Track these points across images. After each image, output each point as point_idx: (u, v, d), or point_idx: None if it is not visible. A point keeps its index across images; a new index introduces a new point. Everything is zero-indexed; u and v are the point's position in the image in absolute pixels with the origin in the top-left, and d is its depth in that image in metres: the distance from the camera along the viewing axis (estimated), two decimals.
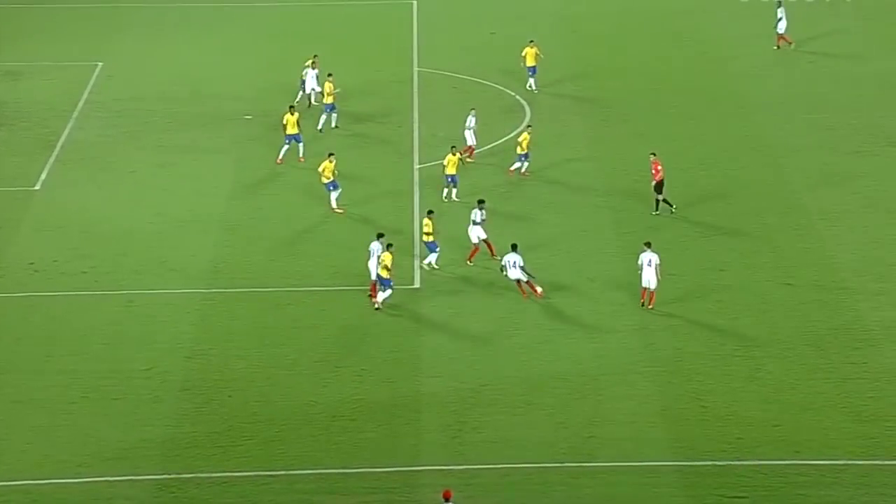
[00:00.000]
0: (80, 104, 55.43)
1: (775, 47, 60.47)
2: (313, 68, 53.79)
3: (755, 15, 61.68)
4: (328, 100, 52.49)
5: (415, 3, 67.63)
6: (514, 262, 41.02)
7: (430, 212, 43.43)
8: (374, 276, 41.09)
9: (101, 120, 53.90)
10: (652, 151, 46.90)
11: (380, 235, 41.75)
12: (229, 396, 36.87)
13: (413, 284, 42.37)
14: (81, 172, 49.80)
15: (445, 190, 47.36)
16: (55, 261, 43.53)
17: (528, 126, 49.78)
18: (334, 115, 52.59)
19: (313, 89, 53.78)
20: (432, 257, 43.00)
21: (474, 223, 43.10)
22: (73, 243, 44.62)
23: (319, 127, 52.27)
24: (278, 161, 50.02)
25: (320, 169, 46.50)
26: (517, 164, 48.99)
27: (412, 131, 53.15)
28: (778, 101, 55.55)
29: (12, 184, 48.75)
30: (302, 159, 49.58)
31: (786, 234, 45.26)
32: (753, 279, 42.47)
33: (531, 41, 56.73)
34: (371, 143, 50.58)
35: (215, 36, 63.61)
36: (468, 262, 43.03)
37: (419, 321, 40.61)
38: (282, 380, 37.77)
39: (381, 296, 40.85)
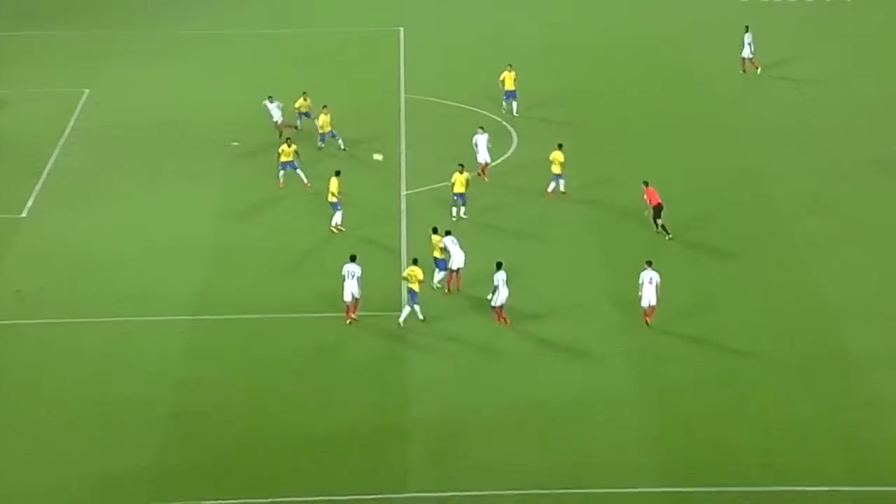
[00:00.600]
0: (67, 131, 55.30)
1: (741, 71, 60.74)
2: (278, 104, 53.60)
3: (737, 41, 61.79)
4: (327, 129, 52.73)
5: (402, 30, 67.69)
6: (503, 279, 41.02)
7: (434, 229, 43.37)
8: (347, 298, 41.17)
9: (87, 147, 53.78)
10: (644, 180, 46.99)
11: (352, 258, 41.75)
12: (217, 424, 36.68)
13: (400, 311, 42.24)
14: (68, 199, 49.65)
15: (454, 209, 47.55)
16: (42, 288, 43.36)
17: (560, 145, 49.80)
18: (340, 141, 53.02)
19: (276, 122, 53.53)
20: (439, 275, 42.98)
21: (454, 244, 42.98)
22: (59, 270, 44.45)
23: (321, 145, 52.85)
24: (280, 186, 49.85)
25: (331, 187, 46.57)
26: (553, 185, 49.13)
27: (399, 157, 53.12)
28: (762, 126, 55.63)
29: (2, 211, 48.57)
30: (308, 185, 49.61)
31: (772, 260, 45.26)
32: (741, 305, 42.44)
33: (509, 65, 56.89)
34: (358, 168, 50.45)
35: (203, 62, 63.56)
36: (448, 291, 42.95)
37: (406, 347, 40.50)
38: (269, 407, 37.59)
39: (405, 312, 41.05)
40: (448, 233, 43.55)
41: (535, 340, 40.68)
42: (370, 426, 36.68)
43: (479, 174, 50.16)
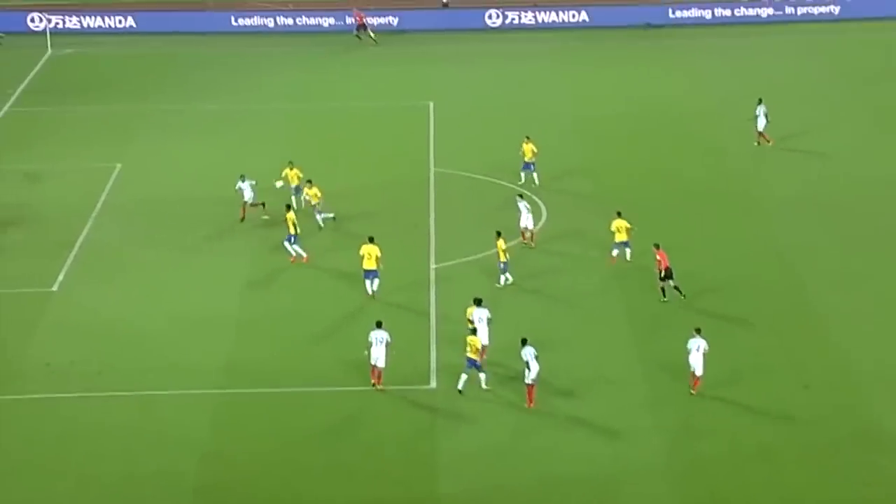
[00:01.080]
0: (99, 205, 55.38)
1: (755, 143, 60.57)
2: (250, 183, 53.30)
3: (771, 120, 61.72)
4: (315, 202, 52.51)
5: (431, 104, 67.81)
6: (533, 354, 40.54)
7: (477, 301, 43.06)
8: (376, 364, 41.06)
9: (118, 220, 53.82)
10: (655, 243, 46.93)
11: (378, 324, 41.61)
12: (241, 498, 36.31)
13: (429, 384, 41.91)
14: (98, 273, 49.59)
15: (502, 277, 47.74)
16: (72, 361, 43.20)
17: (619, 213, 49.67)
18: (321, 217, 52.66)
19: (245, 202, 53.21)
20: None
21: (480, 321, 42.59)
22: (89, 344, 44.30)
23: (322, 225, 52.45)
24: (291, 260, 49.88)
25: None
26: (616, 251, 49.00)
27: (429, 230, 52.99)
28: (788, 201, 55.27)
29: (30, 285, 48.53)
30: (293, 259, 49.60)
31: (798, 331, 44.75)
32: (769, 377, 41.90)
33: (527, 137, 56.87)
34: (387, 241, 50.30)
35: (232, 137, 63.70)
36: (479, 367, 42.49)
37: (435, 421, 40.08)
38: (295, 481, 37.21)
39: (463, 379, 40.75)
40: (479, 303, 43.09)
41: (565, 415, 40.21)
42: (398, 500, 36.23)
43: (522, 240, 50.66)
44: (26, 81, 72.51)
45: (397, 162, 60.19)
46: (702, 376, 40.69)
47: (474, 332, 41.43)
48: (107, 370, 42.62)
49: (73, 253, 51.08)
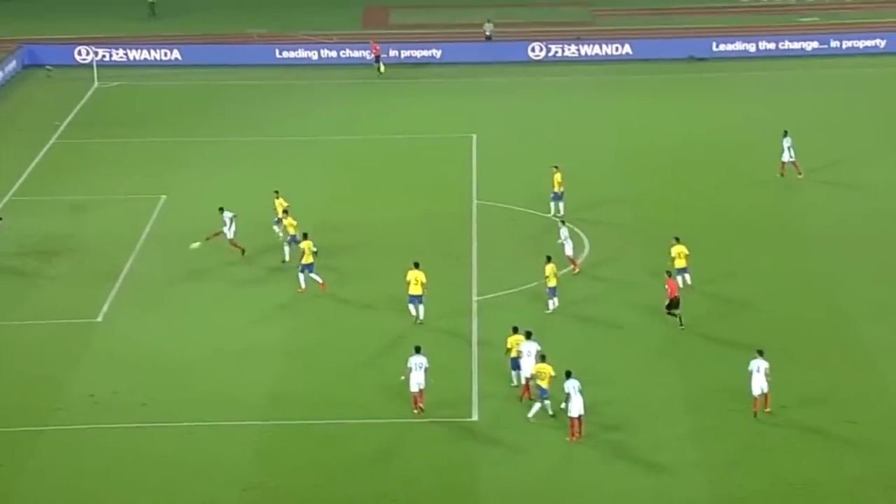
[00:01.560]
0: (143, 236, 55.58)
1: (779, 175, 60.34)
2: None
3: (809, 153, 61.40)
4: (291, 231, 52.43)
5: (474, 136, 67.81)
6: (577, 387, 40.25)
7: (514, 329, 42.90)
8: (414, 389, 41.13)
9: (162, 252, 53.97)
10: (667, 270, 47.13)
11: (417, 349, 41.70)
12: None
13: (470, 415, 41.73)
14: (142, 304, 49.73)
15: (550, 302, 47.80)
16: (115, 392, 43.27)
17: (677, 238, 49.58)
18: (289, 249, 52.53)
19: (230, 240, 53.01)
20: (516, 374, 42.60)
21: (528, 355, 42.38)
22: (133, 375, 44.37)
23: (286, 259, 52.40)
24: (320, 287, 49.92)
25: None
26: (679, 278, 48.89)
27: (471, 263, 52.89)
28: (828, 233, 54.86)
29: (75, 315, 48.72)
30: (321, 285, 49.86)
31: (844, 368, 44.29)
32: (813, 414, 41.47)
33: (555, 167, 56.80)
34: (430, 273, 50.21)
35: (277, 169, 63.84)
36: (521, 399, 42.34)
37: (476, 453, 39.89)
38: None
39: (535, 408, 40.77)
40: (529, 335, 42.85)
41: (608, 451, 39.90)
42: None
43: (572, 268, 50.92)
44: (73, 113, 73.02)
45: (439, 194, 60.17)
46: (769, 393, 40.46)
47: (543, 358, 41.14)
48: (151, 401, 42.67)
49: (118, 284, 51.25)
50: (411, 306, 47.48)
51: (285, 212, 53.40)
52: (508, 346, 42.80)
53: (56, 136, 69.19)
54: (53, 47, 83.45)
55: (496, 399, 42.31)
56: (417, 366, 41.32)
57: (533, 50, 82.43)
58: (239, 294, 50.43)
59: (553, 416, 41.05)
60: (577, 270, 51.08)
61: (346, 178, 62.57)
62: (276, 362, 45.18)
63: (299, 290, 49.96)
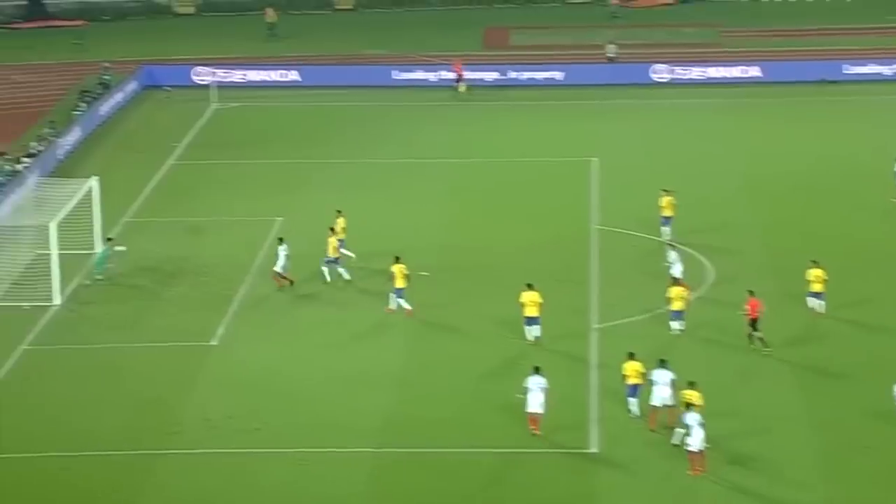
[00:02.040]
0: (259, 258, 56.24)
1: (893, 200, 59.55)
2: (285, 249, 53.03)
3: None
4: (331, 252, 53.04)
5: (595, 160, 67.70)
6: (698, 420, 39.84)
7: (630, 354, 42.73)
8: (534, 410, 41.28)
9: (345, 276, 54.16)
10: (749, 289, 46.78)
11: (536, 369, 41.86)
12: None
13: (588, 447, 41.61)
14: (258, 327, 50.27)
15: (673, 324, 48.06)
16: (230, 416, 43.78)
17: (814, 261, 49.35)
18: (328, 270, 53.02)
19: (278, 273, 52.86)
20: (632, 403, 42.47)
21: (662, 383, 42.16)
22: (247, 399, 44.87)
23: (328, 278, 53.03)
24: (405, 311, 50.32)
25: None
26: (812, 302, 48.74)
27: (589, 290, 52.77)
28: None
29: (190, 338, 49.40)
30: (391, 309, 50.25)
31: None
32: None
33: (665, 190, 56.35)
34: (547, 298, 50.26)
35: (393, 192, 64.31)
36: (651, 429, 42.13)
37: (594, 488, 39.72)
38: None
39: (679, 434, 40.39)
40: (663, 363, 42.49)
41: (730, 487, 39.45)
42: None
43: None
44: (191, 134, 74.17)
45: (558, 218, 60.12)
46: None
47: (691, 385, 40.83)
48: (264, 426, 43.11)
49: (233, 307, 51.89)
50: (527, 329, 47.68)
51: (331, 229, 53.71)
52: (625, 372, 42.64)
53: (174, 157, 70.34)
54: (172, 68, 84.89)
55: (614, 426, 42.13)
56: (537, 386, 41.47)
57: (657, 72, 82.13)
58: (351, 317, 50.78)
59: (678, 445, 40.71)
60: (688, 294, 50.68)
61: (464, 201, 62.76)
62: (389, 386, 45.41)
63: (387, 310, 50.43)
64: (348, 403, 44.42)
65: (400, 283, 50.46)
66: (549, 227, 59.15)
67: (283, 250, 52.95)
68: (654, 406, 41.88)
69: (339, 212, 55.81)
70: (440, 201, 62.81)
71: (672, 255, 51.89)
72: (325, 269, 53.47)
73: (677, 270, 51.01)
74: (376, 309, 51.33)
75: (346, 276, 53.30)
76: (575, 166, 67.24)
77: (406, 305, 50.50)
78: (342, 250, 54.12)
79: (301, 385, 45.76)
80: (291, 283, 53.14)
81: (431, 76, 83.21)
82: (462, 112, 77.51)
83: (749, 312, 46.58)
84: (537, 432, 41.56)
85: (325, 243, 53.80)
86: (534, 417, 41.56)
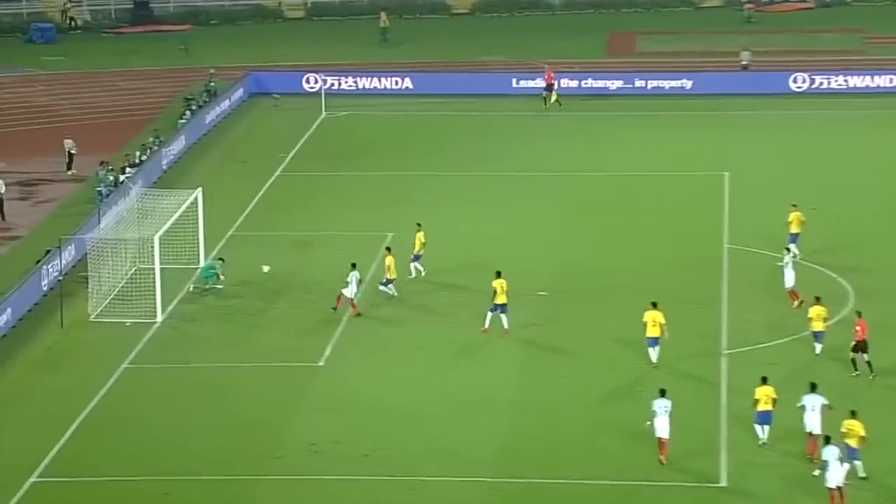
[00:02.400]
0: (369, 275, 56.47)
1: None
2: (356, 276, 53.03)
3: None
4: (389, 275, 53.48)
5: (727, 175, 67.25)
6: (836, 455, 39.23)
7: (763, 379, 42.61)
8: (661, 435, 41.17)
9: (388, 294, 54.76)
10: (857, 310, 46.72)
11: (662, 392, 41.82)
12: None
13: (718, 480, 41.24)
14: (367, 348, 50.49)
15: (817, 345, 47.97)
16: (337, 442, 44.01)
17: None
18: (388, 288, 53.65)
19: (348, 298, 52.91)
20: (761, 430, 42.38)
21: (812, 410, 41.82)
22: (355, 424, 45.09)
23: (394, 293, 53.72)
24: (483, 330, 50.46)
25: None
26: None
27: (720, 312, 52.38)
28: None
29: (297, 359, 49.78)
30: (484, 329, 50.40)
31: None
32: None
33: (794, 205, 55.96)
34: (673, 322, 49.99)
35: (510, 206, 64.35)
36: (812, 459, 41.51)
37: None
38: None
39: (845, 469, 39.54)
40: (814, 387, 41.96)
41: None
42: None
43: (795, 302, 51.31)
44: (299, 144, 74.88)
45: (686, 236, 59.79)
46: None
47: (853, 414, 40.42)
48: (373, 453, 43.25)
49: (341, 327, 52.19)
50: (651, 350, 47.66)
51: (388, 248, 54.18)
52: (756, 397, 42.37)
53: (281, 168, 71.06)
54: (281, 75, 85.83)
55: (744, 453, 41.76)
56: (662, 410, 41.42)
57: (795, 81, 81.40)
58: (466, 339, 50.84)
59: (865, 477, 40.13)
60: (797, 304, 51.01)
61: (582, 217, 62.66)
62: (503, 410, 45.35)
63: (483, 330, 50.64)
64: (461, 428, 44.44)
65: (501, 299, 50.53)
66: (675, 245, 58.81)
67: (354, 276, 52.96)
68: (810, 433, 41.48)
69: (419, 225, 55.92)
70: (557, 217, 62.74)
71: (786, 258, 51.85)
72: (384, 289, 53.79)
73: (789, 278, 51.04)
74: (490, 334, 51.22)
75: (393, 292, 53.52)
76: (704, 181, 66.83)
77: (506, 323, 50.50)
78: (415, 265, 54.64)
79: (411, 409, 45.88)
80: (358, 314, 52.90)
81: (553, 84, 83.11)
82: (584, 123, 77.39)
83: (856, 335, 46.41)
84: (663, 460, 41.39)
85: (417, 258, 54.21)
86: (662, 443, 41.50)
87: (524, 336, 50.99)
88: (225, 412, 46.15)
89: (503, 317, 50.63)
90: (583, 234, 60.67)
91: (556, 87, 79.58)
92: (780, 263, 52.17)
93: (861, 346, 46.43)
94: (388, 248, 54.26)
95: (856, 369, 46.55)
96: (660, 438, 41.55)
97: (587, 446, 43.15)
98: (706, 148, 71.87)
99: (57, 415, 45.73)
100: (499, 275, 51.00)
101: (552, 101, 79.22)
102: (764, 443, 42.29)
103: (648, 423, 41.68)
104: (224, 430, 44.95)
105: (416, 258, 55.48)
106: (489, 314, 50.80)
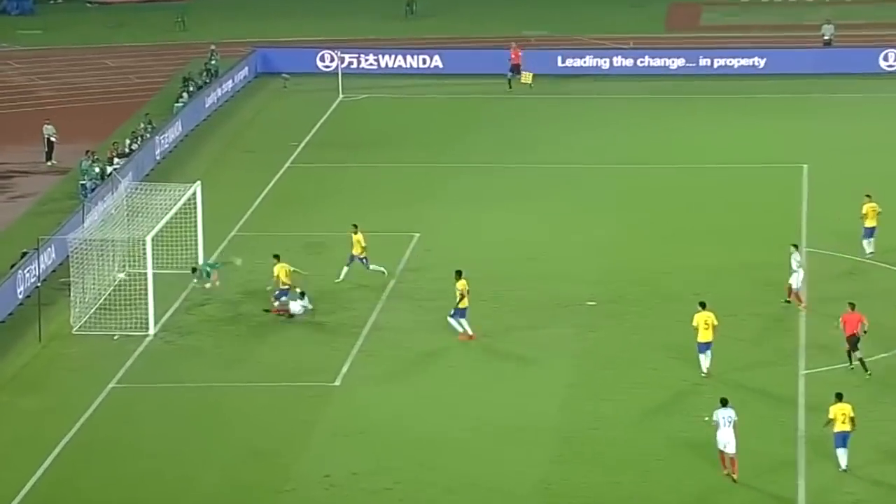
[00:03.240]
0: (392, 283, 56.65)
1: None
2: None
3: None
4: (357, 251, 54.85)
5: (805, 167, 67.22)
6: None
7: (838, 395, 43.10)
8: (726, 449, 41.99)
9: (413, 303, 54.83)
10: (849, 302, 48.04)
11: (724, 402, 42.30)
12: None
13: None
14: (388, 366, 50.58)
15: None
16: (354, 473, 44.09)
17: None
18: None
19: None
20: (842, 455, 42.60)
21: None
22: (375, 452, 45.12)
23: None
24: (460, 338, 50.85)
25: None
26: None
27: (798, 328, 52.36)
28: None
29: (310, 377, 49.82)
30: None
31: None
32: None
33: (867, 196, 56.52)
34: (742, 334, 50.07)
35: (552, 202, 64.44)
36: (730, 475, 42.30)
37: None
38: None
39: None
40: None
41: None
42: None
43: (786, 300, 52.84)
44: (312, 132, 75.10)
45: (758, 237, 59.78)
46: None
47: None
48: (396, 486, 43.24)
49: (360, 340, 52.33)
50: (702, 356, 48.18)
51: (275, 256, 54.99)
52: (831, 416, 42.57)
53: (292, 158, 71.29)
54: (292, 52, 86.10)
55: (821, 480, 41.88)
56: (726, 420, 41.92)
57: (886, 59, 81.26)
58: (504, 357, 51.00)
59: (845, 470, 40.92)
60: (802, 307, 51.93)
61: (639, 215, 62.70)
62: (546, 436, 45.37)
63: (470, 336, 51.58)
64: (498, 461, 44.46)
65: (464, 304, 51.34)
66: (746, 247, 58.83)
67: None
68: (722, 450, 42.35)
69: (354, 226, 56.33)
70: (608, 215, 62.78)
71: (795, 258, 52.55)
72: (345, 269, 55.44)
73: (797, 279, 52.00)
74: (530, 347, 51.40)
75: (297, 309, 53.93)
76: (779, 174, 66.82)
77: (468, 328, 51.33)
78: (372, 266, 55.85)
79: (439, 435, 45.89)
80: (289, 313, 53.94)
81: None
82: (639, 107, 77.49)
83: (845, 328, 47.53)
84: (735, 475, 41.75)
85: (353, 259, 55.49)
86: (727, 457, 41.95)
87: (570, 351, 51.09)
88: (226, 439, 46.31)
89: (462, 321, 51.28)
90: (638, 234, 60.69)
91: (522, 66, 79.58)
92: (793, 268, 52.69)
93: (851, 342, 47.52)
94: (276, 256, 54.88)
95: (865, 370, 47.64)
96: (723, 452, 41.92)
97: (643, 471, 43.17)
98: (781, 136, 71.88)
99: (34, 442, 45.92)
100: (459, 275, 51.66)
101: (523, 81, 79.20)
102: (843, 469, 42.38)
103: (706, 418, 42.28)
104: (226, 459, 45.10)
105: (353, 259, 56.02)
106: (461, 321, 51.41)
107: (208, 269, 56.16)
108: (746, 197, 64.62)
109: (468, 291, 51.55)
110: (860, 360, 47.70)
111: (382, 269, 56.52)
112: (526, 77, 79.45)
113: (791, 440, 44.47)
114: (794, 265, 52.88)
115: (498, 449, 45.22)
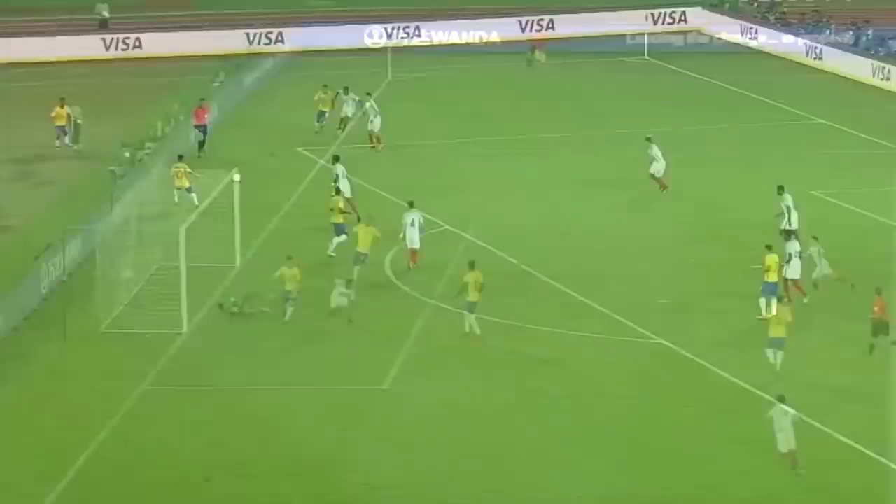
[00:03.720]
0: (445, 279, 56.53)
1: None
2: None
3: None
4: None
5: None
6: None
7: None
8: (783, 449, 42.39)
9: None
10: (877, 287, 49.60)
11: (781, 399, 42.73)
12: None
13: None
14: (440, 367, 50.47)
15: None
16: (400, 485, 43.58)
17: None
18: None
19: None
20: None
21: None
22: (425, 462, 44.65)
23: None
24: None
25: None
26: None
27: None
28: None
29: (357, 380, 49.69)
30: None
31: None
32: None
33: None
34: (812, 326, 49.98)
35: (622, 190, 64.35)
36: None
37: None
38: None
39: None
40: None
41: None
42: None
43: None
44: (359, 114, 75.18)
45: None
46: None
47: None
48: (450, 499, 43.26)
49: (410, 340, 52.33)
50: (770, 351, 48.61)
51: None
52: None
53: (336, 144, 71.28)
54: (336, 28, 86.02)
55: None
56: (785, 420, 42.50)
57: None
58: (565, 356, 51.00)
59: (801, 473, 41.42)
60: (805, 300, 53.03)
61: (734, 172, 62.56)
62: (616, 446, 45.28)
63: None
64: (562, 470, 44.31)
65: (474, 298, 51.38)
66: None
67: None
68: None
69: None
70: (692, 172, 62.79)
71: (811, 250, 53.47)
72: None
73: (794, 269, 52.91)
74: (584, 343, 51.45)
75: (341, 302, 53.93)
76: None
77: (475, 326, 51.63)
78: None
79: (498, 445, 45.70)
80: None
81: None
82: None
83: (877, 313, 49.09)
84: (801, 469, 42.24)
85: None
86: (789, 455, 42.50)
87: (640, 353, 51.05)
88: (266, 446, 46.24)
89: (471, 317, 51.45)
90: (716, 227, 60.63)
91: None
92: (807, 254, 53.62)
93: (879, 328, 48.85)
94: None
95: (870, 353, 49.08)
96: (783, 452, 42.49)
97: (713, 487, 43.12)
98: None
99: (59, 448, 45.86)
100: (472, 266, 51.82)
101: (540, 59, 79.74)
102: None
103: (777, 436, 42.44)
104: (270, 467, 45.06)
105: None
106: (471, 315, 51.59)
107: (235, 310, 55.24)
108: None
109: (482, 286, 51.48)
110: (893, 341, 48.91)
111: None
112: (539, 55, 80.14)
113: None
114: (815, 257, 53.81)
115: (563, 460, 44.98)
